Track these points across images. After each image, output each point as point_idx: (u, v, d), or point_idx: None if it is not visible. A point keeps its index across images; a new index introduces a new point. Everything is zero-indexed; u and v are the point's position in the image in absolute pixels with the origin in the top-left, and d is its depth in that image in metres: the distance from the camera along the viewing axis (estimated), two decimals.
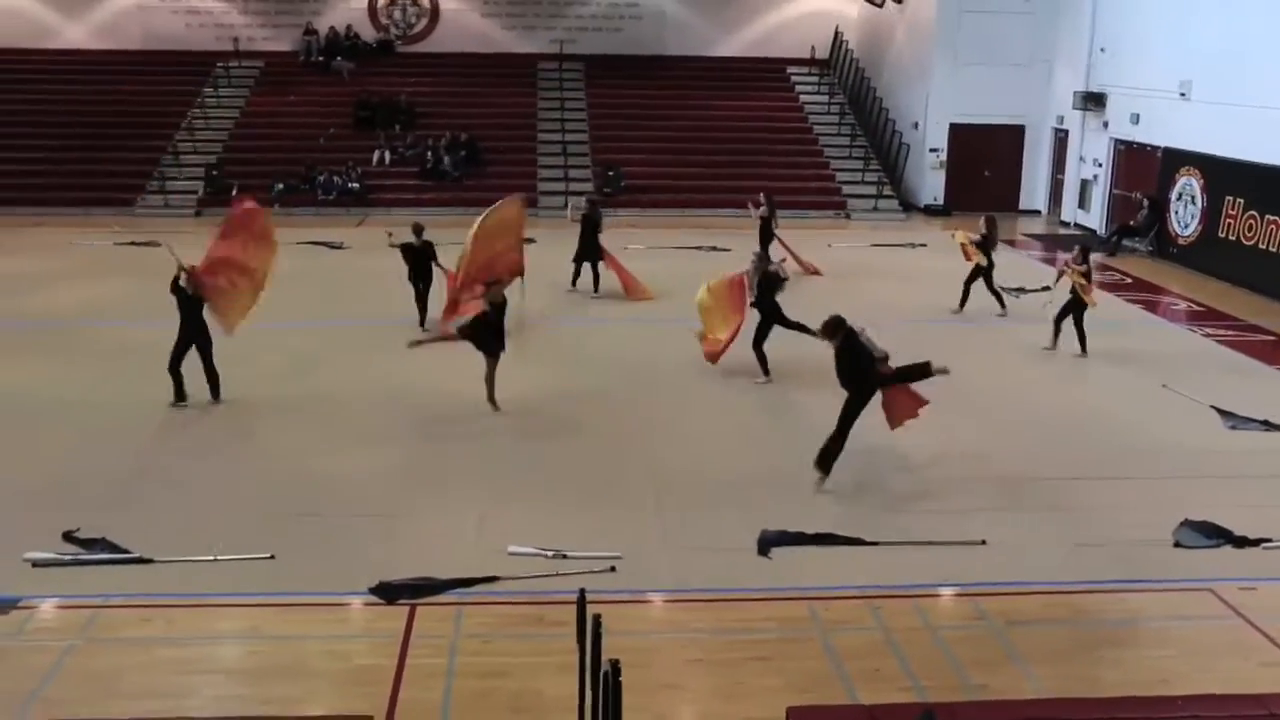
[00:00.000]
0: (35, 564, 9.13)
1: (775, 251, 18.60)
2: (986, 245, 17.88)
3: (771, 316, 14.27)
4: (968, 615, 8.79)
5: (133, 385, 13.33)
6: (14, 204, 25.72)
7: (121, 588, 8.79)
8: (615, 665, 4.93)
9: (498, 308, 12.85)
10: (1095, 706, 7.16)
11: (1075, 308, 15.74)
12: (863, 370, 10.71)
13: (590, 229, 19.14)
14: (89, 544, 9.44)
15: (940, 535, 9.86)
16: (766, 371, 14.30)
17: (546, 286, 19.47)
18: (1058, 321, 15.93)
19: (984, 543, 9.75)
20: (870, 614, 8.62)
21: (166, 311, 16.66)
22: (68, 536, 9.53)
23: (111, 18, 32.35)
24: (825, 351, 14.91)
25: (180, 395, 12.83)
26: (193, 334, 12.72)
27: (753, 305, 14.27)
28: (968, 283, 18.07)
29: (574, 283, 19.26)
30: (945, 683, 7.70)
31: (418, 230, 16.84)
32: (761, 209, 20.92)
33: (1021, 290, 19.82)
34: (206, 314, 12.80)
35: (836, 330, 10.77)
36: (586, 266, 19.19)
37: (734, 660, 7.96)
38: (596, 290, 19.14)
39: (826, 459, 10.87)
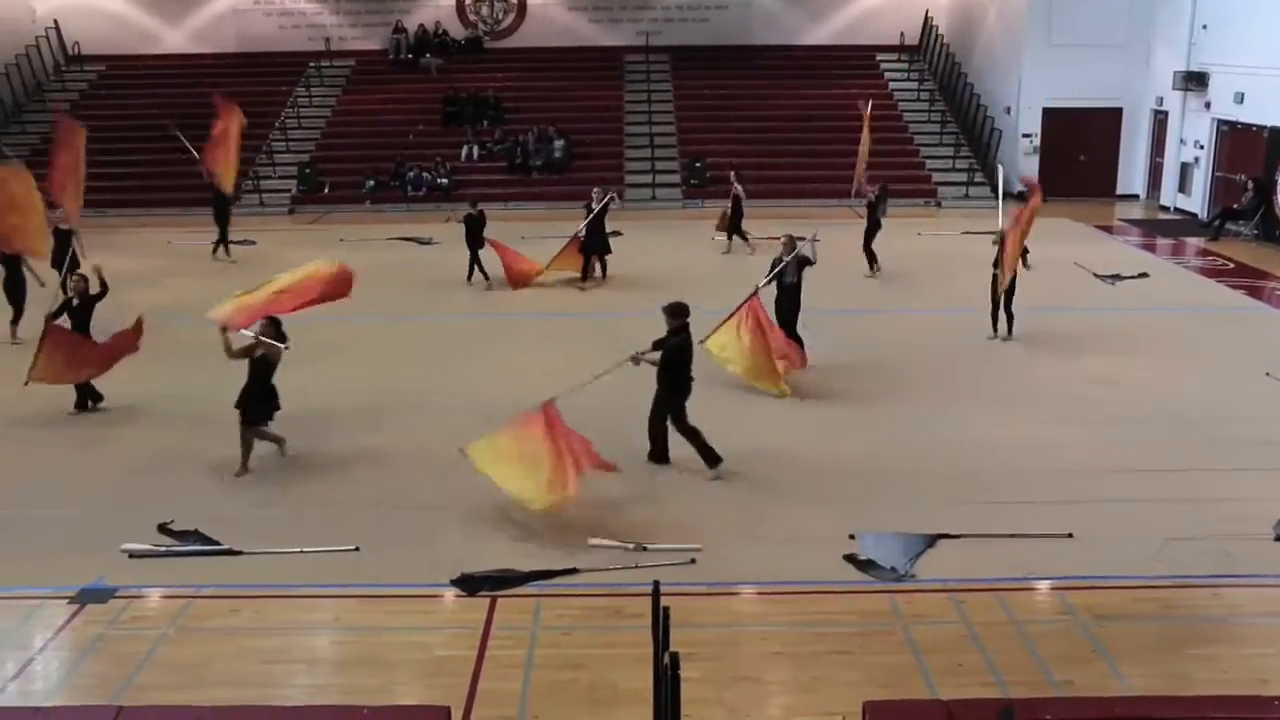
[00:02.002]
0: (132, 555, 9.41)
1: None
2: (874, 208, 19.55)
3: (798, 296, 14.11)
4: (1053, 610, 8.60)
5: (221, 381, 13.60)
6: (121, 205, 26.53)
7: (212, 578, 9.01)
8: (674, 658, 4.91)
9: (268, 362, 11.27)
10: (1187, 705, 6.92)
11: (995, 283, 15.42)
12: (684, 365, 10.75)
13: (599, 218, 19.27)
14: (182, 536, 9.71)
15: (1025, 528, 9.65)
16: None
17: (618, 279, 19.58)
18: (1006, 307, 15.58)
19: (1071, 535, 9.53)
20: (953, 607, 8.47)
21: None
22: (162, 528, 9.81)
23: (208, 22, 33.14)
24: (901, 345, 14.84)
25: (89, 400, 13.04)
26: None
27: (789, 285, 14.05)
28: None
29: (603, 274, 19.61)
30: (1029, 679, 7.54)
31: (473, 203, 19.85)
32: (736, 187, 21.59)
33: (1118, 277, 19.37)
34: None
35: (680, 314, 10.84)
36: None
37: (813, 653, 7.89)
38: (604, 276, 19.51)
39: (707, 453, 10.86)
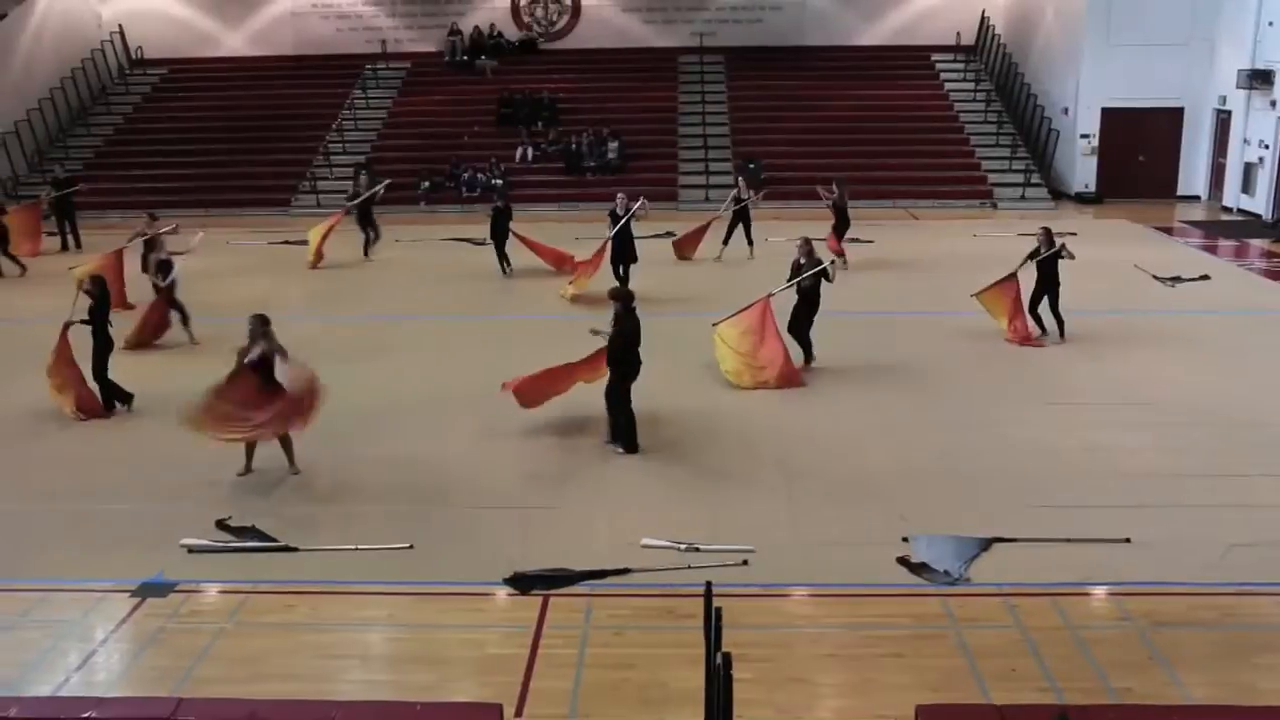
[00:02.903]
0: (191, 550, 9.55)
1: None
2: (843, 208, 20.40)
3: (815, 301, 14.08)
4: (1110, 615, 8.49)
5: None
6: (182, 206, 26.87)
7: (269, 575, 9.13)
8: (727, 659, 4.91)
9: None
10: (1252, 716, 6.82)
11: (1049, 290, 15.32)
12: (633, 344, 11.34)
13: (625, 225, 18.29)
14: (239, 532, 9.84)
15: (1081, 532, 9.53)
16: (811, 356, 14.26)
17: (675, 279, 19.56)
18: (1032, 310, 15.48)
19: (1128, 540, 9.40)
20: (1007, 612, 8.39)
21: (312, 307, 17.23)
22: (220, 524, 9.95)
23: (267, 25, 33.58)
24: (953, 347, 14.73)
25: (124, 397, 13.17)
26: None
27: (808, 290, 14.02)
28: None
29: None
30: (1085, 685, 7.45)
31: (500, 195, 21.32)
32: (749, 193, 21.21)
33: (1178, 279, 19.08)
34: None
35: (629, 298, 11.58)
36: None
37: (865, 656, 7.85)
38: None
39: (628, 437, 11.49)
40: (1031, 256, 15.37)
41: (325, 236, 21.27)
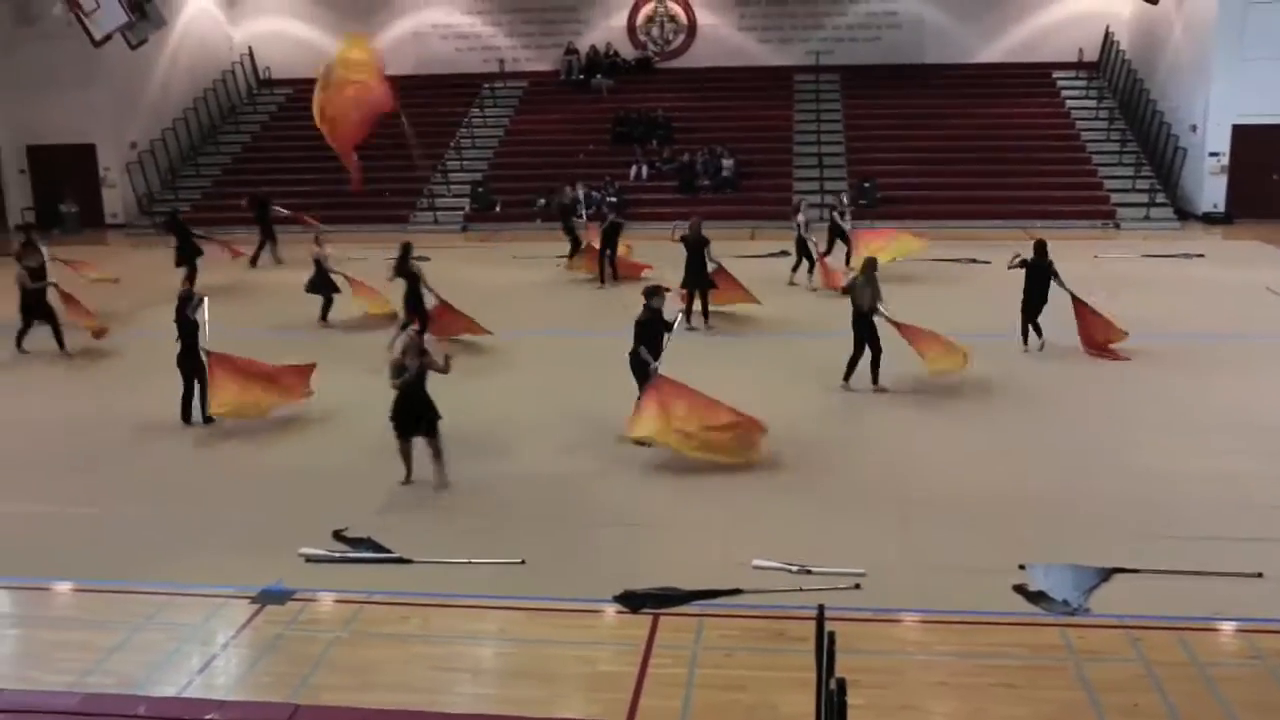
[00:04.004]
0: (308, 559, 9.77)
1: None
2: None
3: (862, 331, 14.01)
4: (1240, 653, 8.17)
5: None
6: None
7: (383, 585, 9.28)
8: (841, 683, 4.85)
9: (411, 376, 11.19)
10: None
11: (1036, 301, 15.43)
12: (658, 336, 12.29)
13: (695, 250, 17.19)
14: (355, 543, 10.04)
15: (1208, 564, 9.20)
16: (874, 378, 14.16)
17: (782, 297, 19.43)
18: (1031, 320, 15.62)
19: (1260, 575, 9.05)
20: (1129, 645, 8.13)
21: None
22: (337, 535, 10.16)
23: (389, 45, 34.09)
24: (1070, 370, 14.36)
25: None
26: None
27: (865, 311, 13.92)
28: None
29: (705, 314, 17.41)
30: None
31: (616, 212, 23.03)
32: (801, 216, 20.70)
33: None
34: None
35: (655, 294, 12.52)
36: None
37: (979, 685, 7.68)
38: (707, 321, 17.37)
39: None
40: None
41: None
